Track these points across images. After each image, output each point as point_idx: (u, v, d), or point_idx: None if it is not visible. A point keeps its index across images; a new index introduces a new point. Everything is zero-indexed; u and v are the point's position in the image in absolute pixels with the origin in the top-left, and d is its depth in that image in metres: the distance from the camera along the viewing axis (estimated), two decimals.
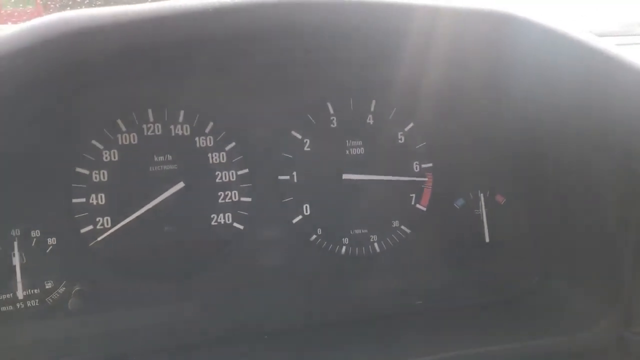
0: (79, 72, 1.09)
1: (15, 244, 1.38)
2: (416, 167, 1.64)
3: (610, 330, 1.36)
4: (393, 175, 1.61)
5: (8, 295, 1.37)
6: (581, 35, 1.10)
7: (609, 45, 1.11)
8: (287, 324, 1.52)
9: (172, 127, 1.50)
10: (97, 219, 1.45)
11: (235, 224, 1.54)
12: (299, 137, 1.58)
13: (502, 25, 1.14)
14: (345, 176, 1.59)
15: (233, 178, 1.54)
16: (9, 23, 2.24)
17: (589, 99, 1.18)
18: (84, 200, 1.44)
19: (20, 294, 1.37)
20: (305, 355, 1.41)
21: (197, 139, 1.52)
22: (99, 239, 1.44)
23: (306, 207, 1.59)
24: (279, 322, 1.53)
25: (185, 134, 1.51)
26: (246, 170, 1.55)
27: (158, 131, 1.49)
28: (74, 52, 1.00)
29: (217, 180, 1.53)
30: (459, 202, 1.66)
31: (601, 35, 1.19)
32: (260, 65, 1.44)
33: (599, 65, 1.12)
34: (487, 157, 1.65)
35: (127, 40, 1.01)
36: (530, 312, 1.55)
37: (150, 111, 1.48)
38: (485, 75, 1.41)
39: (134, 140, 1.47)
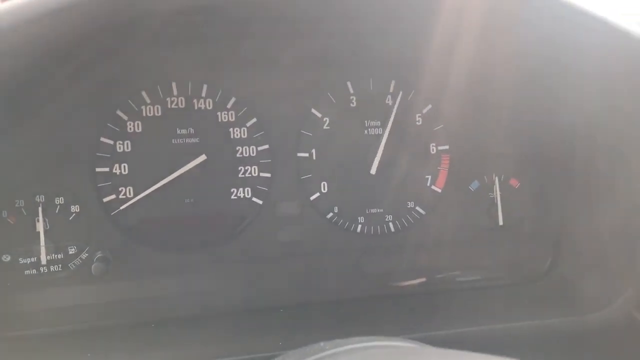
0: (107, 37, 1.11)
1: (40, 209, 1.41)
2: (433, 149, 1.66)
3: (622, 312, 1.38)
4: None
5: (32, 259, 1.40)
6: (613, 19, 1.10)
7: None
8: (302, 299, 1.56)
9: (195, 101, 1.53)
10: (120, 189, 1.47)
11: (254, 199, 1.56)
12: (319, 115, 1.60)
13: (528, 4, 1.15)
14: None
15: (253, 153, 1.56)
16: None
17: (616, 86, 1.19)
18: (107, 169, 1.47)
19: (43, 259, 1.40)
20: (319, 329, 1.43)
21: (219, 113, 1.54)
22: (121, 208, 1.47)
23: (324, 184, 1.61)
24: (293, 296, 1.56)
25: (208, 108, 1.54)
26: (266, 147, 1.57)
27: (181, 104, 1.52)
28: (105, 16, 1.01)
29: (238, 155, 1.55)
30: (474, 185, 1.68)
31: None
32: (283, 40, 1.47)
33: (628, 50, 1.12)
34: (504, 141, 1.67)
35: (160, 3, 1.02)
36: (542, 294, 1.57)
37: (174, 84, 1.51)
38: (507, 60, 1.42)
39: (157, 113, 1.50)
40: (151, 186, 1.47)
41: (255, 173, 1.57)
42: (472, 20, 1.19)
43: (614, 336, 1.39)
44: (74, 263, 1.43)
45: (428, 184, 1.67)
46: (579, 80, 1.28)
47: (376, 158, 1.61)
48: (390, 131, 1.63)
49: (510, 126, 1.66)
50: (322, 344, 0.87)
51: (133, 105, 1.48)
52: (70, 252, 1.43)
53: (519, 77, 1.50)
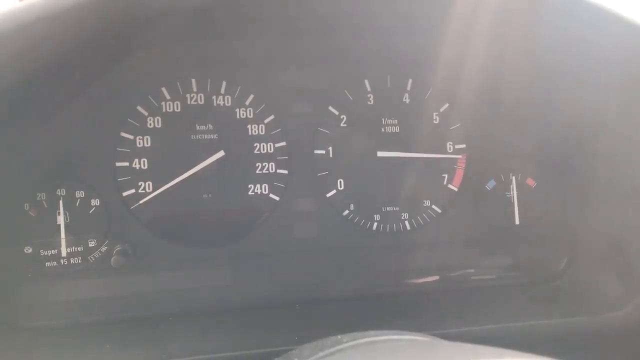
0: (127, 35, 1.13)
1: (61, 203, 1.43)
2: (450, 148, 1.66)
3: (638, 312, 1.37)
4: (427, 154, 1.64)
5: (53, 252, 1.43)
6: (631, 15, 1.10)
7: None
8: (317, 295, 1.57)
9: (214, 97, 1.54)
10: (139, 183, 1.49)
11: (271, 195, 1.58)
12: (336, 113, 1.61)
13: (545, 3, 1.14)
14: (379, 154, 1.62)
15: (271, 150, 1.57)
16: None
17: (637, 85, 1.18)
18: (127, 164, 1.49)
19: (64, 251, 1.43)
20: (333, 325, 1.43)
21: (237, 110, 1.56)
22: (140, 202, 1.49)
23: (340, 182, 1.62)
24: (309, 292, 1.57)
25: (227, 104, 1.55)
26: (283, 143, 1.58)
27: (200, 101, 1.53)
28: (124, 13, 1.02)
29: (256, 152, 1.57)
30: (491, 184, 1.68)
31: None
32: (302, 38, 1.48)
33: None
34: (520, 141, 1.67)
35: None
36: (558, 293, 1.57)
37: (193, 81, 1.52)
38: (524, 59, 1.42)
39: (177, 109, 1.52)
40: (170, 181, 1.49)
41: (272, 169, 1.58)
42: (490, 19, 1.20)
43: (629, 336, 1.38)
44: (93, 256, 1.45)
45: (444, 183, 1.67)
46: (598, 79, 1.27)
47: (393, 156, 1.61)
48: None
49: (527, 125, 1.66)
50: (339, 336, 0.88)
51: (153, 101, 1.50)
52: (90, 245, 1.45)
53: (536, 77, 1.50)
